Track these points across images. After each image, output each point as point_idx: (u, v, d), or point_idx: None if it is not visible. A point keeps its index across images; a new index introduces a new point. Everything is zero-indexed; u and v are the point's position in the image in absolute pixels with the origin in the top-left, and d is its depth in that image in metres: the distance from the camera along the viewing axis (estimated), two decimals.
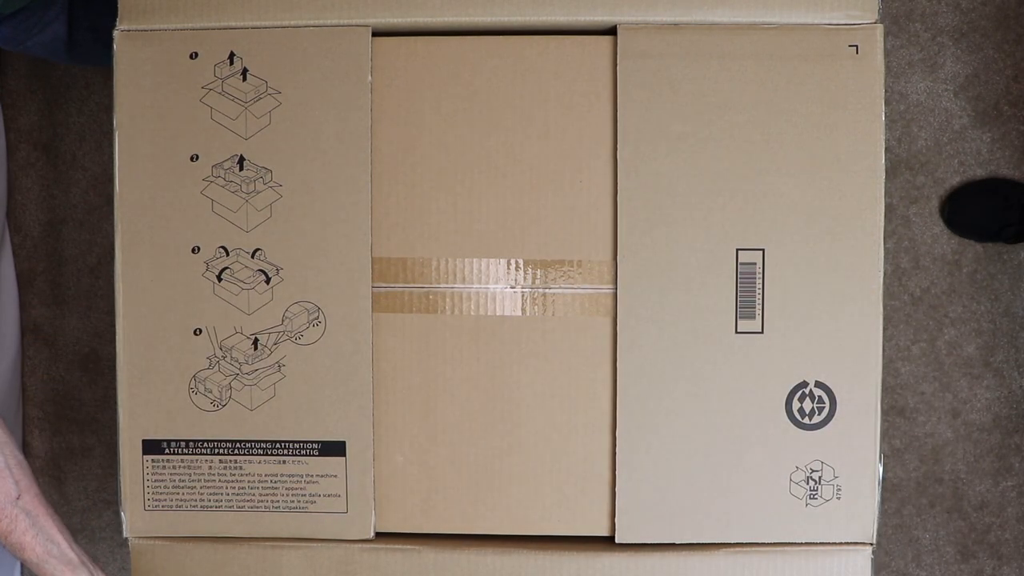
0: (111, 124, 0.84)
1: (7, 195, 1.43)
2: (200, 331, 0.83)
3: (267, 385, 0.83)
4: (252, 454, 0.84)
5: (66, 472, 1.48)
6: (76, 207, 1.45)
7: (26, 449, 1.48)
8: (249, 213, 0.83)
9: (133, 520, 0.85)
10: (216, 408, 0.84)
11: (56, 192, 1.45)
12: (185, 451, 0.84)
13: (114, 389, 0.83)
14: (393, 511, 0.85)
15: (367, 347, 0.83)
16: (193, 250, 0.83)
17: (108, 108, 1.02)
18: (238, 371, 0.83)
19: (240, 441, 0.84)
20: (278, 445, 0.84)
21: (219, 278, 0.83)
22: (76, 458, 1.48)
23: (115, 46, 0.83)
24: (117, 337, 0.84)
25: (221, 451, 0.84)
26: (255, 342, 0.83)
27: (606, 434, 0.84)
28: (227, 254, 0.83)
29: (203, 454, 0.84)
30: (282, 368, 0.83)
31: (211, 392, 0.84)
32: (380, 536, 0.85)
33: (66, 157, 1.45)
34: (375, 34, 0.83)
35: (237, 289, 0.83)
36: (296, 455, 0.84)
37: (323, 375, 0.83)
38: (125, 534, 0.85)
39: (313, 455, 0.84)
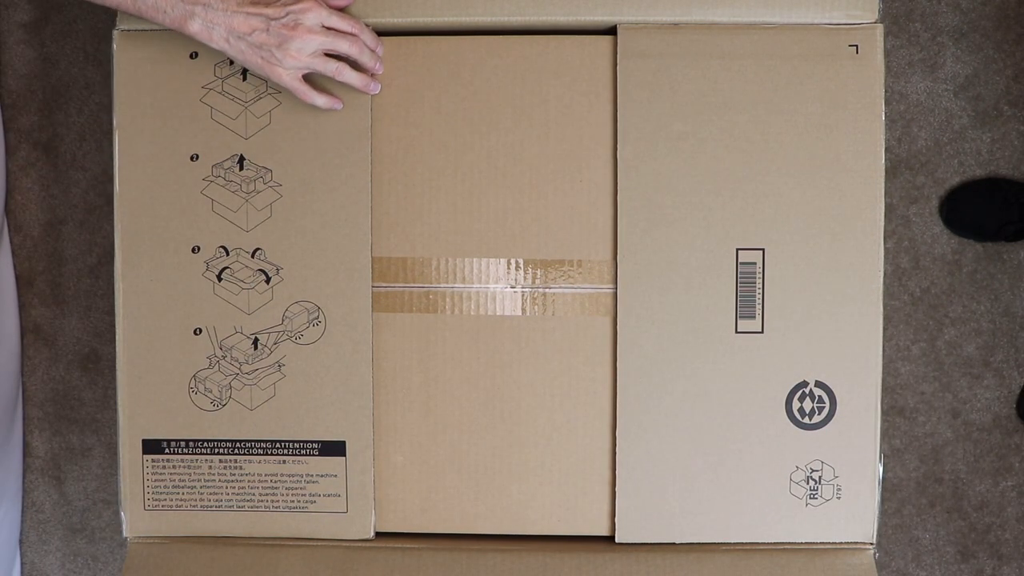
0: (111, 124, 0.84)
1: (6, 194, 1.43)
2: (200, 331, 0.83)
3: (267, 385, 0.83)
4: (252, 454, 0.84)
5: (66, 472, 1.48)
6: (76, 207, 1.45)
7: (26, 449, 1.47)
8: (249, 213, 0.83)
9: (133, 520, 0.85)
10: (216, 408, 0.84)
11: (56, 192, 1.45)
12: (185, 451, 0.84)
13: (114, 389, 0.83)
14: (393, 511, 0.85)
15: (367, 347, 0.83)
16: (193, 250, 0.83)
17: (108, 108, 1.02)
18: (238, 371, 0.83)
19: (240, 441, 0.84)
20: (278, 445, 0.84)
21: (219, 278, 0.83)
22: (76, 458, 1.48)
23: (115, 46, 0.83)
24: (117, 337, 0.83)
25: (221, 451, 0.84)
26: (255, 342, 0.83)
27: (606, 434, 0.83)
28: (227, 254, 0.83)
29: (203, 454, 0.84)
30: (282, 368, 0.83)
31: (211, 392, 0.84)
32: (380, 536, 0.85)
33: (66, 157, 1.45)
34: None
35: (237, 289, 0.83)
36: (296, 455, 0.84)
37: (323, 375, 0.83)
38: (125, 534, 0.85)
39: (313, 455, 0.84)
